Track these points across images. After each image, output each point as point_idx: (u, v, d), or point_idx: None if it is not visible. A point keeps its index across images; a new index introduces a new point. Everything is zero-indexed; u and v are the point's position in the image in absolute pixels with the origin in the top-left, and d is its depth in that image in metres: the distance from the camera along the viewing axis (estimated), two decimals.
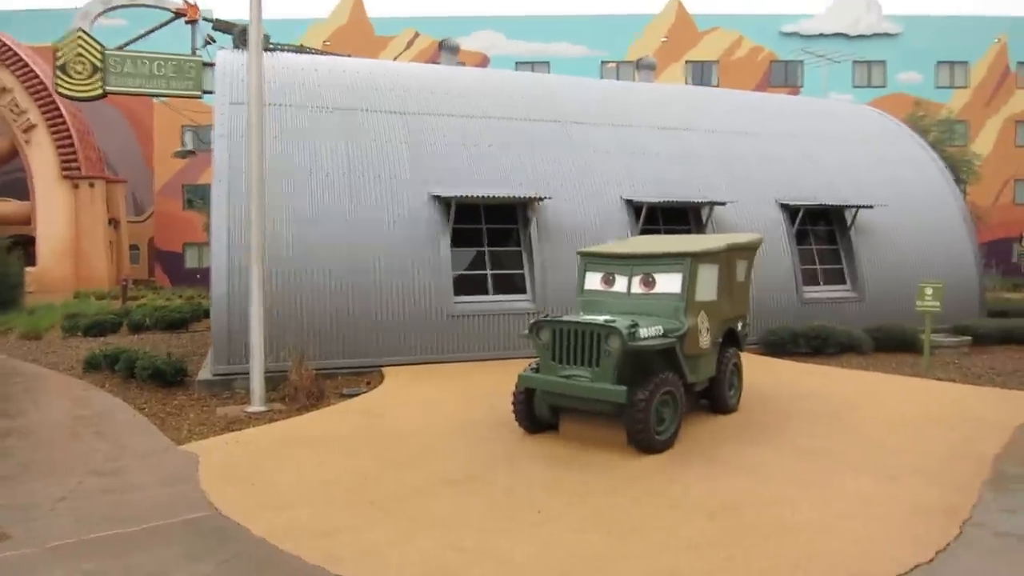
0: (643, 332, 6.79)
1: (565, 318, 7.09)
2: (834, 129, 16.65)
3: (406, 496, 5.86)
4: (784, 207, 14.28)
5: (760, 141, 15.41)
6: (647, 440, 6.67)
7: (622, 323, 6.75)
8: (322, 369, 10.76)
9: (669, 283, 7.52)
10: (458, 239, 12.08)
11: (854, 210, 14.35)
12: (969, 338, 13.21)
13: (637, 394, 6.61)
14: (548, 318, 7.15)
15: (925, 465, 6.35)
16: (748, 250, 8.56)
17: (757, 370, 10.19)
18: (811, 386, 9.77)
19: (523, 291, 12.32)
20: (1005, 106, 38.75)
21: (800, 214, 14.01)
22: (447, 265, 11.70)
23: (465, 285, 12.05)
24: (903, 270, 14.74)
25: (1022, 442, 7.03)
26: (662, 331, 7.05)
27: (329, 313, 11.03)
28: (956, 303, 14.61)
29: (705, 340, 7.62)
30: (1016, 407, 8.55)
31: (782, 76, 38.36)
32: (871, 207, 14.27)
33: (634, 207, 13.11)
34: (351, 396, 9.73)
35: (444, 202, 11.92)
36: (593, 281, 8.04)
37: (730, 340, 8.42)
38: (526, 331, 7.31)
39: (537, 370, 7.27)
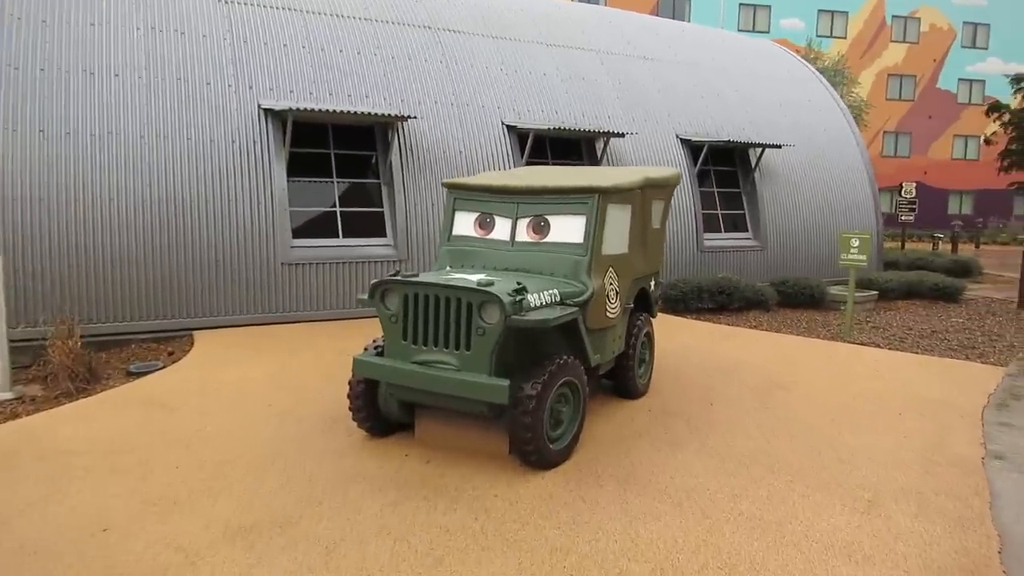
0: (533, 300, 4.72)
1: (422, 277, 4.88)
2: (738, 63, 15.05)
3: (162, 569, 3.58)
4: (686, 143, 12.56)
5: (660, 69, 13.55)
6: (539, 453, 4.66)
7: (502, 287, 4.64)
8: (108, 336, 8.09)
9: (568, 229, 5.45)
10: (299, 167, 9.50)
11: (760, 150, 12.86)
12: (875, 293, 12.17)
13: (524, 389, 4.57)
14: (397, 276, 4.91)
15: (905, 480, 4.73)
16: (665, 188, 6.62)
17: (661, 332, 8.45)
18: (726, 354, 8.14)
19: (382, 234, 9.95)
20: (879, 59, 39.27)
21: (704, 152, 12.34)
22: (282, 200, 9.12)
23: (307, 226, 9.54)
24: (806, 219, 13.53)
25: (1002, 436, 5.60)
26: (558, 297, 5.01)
27: (118, 260, 8.26)
28: None
29: (614, 308, 5.66)
30: (960, 381, 7.24)
31: (670, 10, 36.91)
32: (779, 147, 12.82)
33: (518, 135, 10.94)
34: (140, 374, 7.17)
35: (278, 117, 9.27)
36: (464, 224, 5.85)
37: (641, 304, 6.54)
38: (365, 295, 5.05)
39: (381, 351, 5.08)
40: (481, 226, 5.76)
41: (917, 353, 8.56)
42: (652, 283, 6.69)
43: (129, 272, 8.31)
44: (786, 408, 6.21)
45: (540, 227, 5.53)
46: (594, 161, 11.58)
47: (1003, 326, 10.48)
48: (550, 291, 4.95)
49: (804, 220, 13.48)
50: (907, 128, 39.34)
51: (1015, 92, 31.24)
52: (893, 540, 3.89)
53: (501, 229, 5.67)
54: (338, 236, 9.68)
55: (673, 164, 12.08)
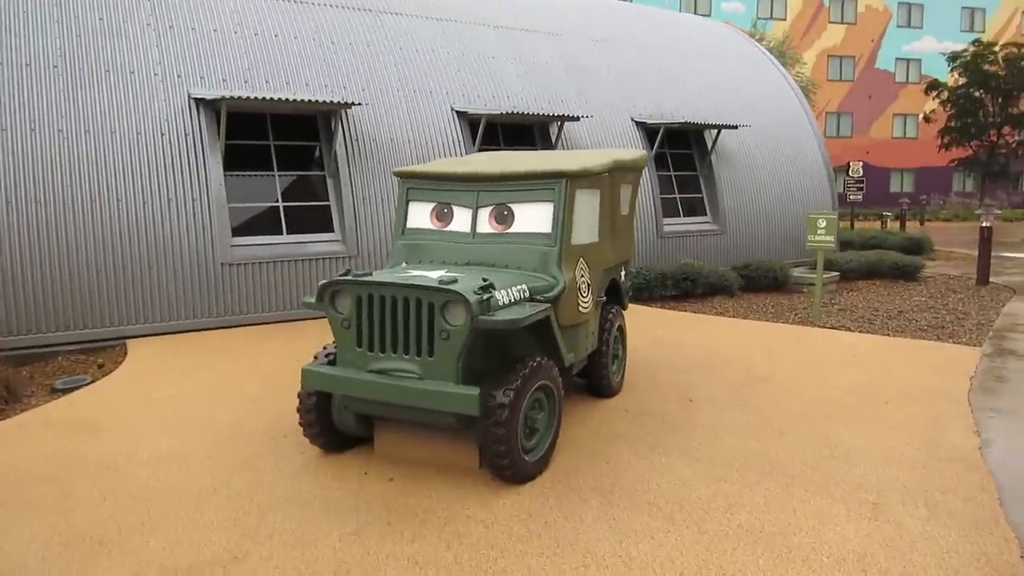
0: (501, 297, 4.25)
1: (376, 276, 4.37)
2: (690, 45, 14.76)
3: None
4: (641, 126, 12.22)
5: (612, 51, 13.16)
6: (513, 466, 4.22)
7: (466, 284, 4.17)
8: (29, 349, 7.38)
9: (534, 218, 5.00)
10: (237, 161, 8.82)
11: (716, 132, 12.60)
12: (837, 274, 12.05)
13: (495, 397, 4.12)
14: (348, 276, 4.39)
15: (907, 478, 4.43)
16: (634, 171, 6.21)
17: (627, 323, 8.08)
18: (697, 344, 7.82)
19: (329, 229, 9.35)
20: (819, 40, 39.78)
21: (660, 135, 12.02)
22: (219, 195, 8.44)
23: (248, 223, 8.88)
24: (764, 201, 13.36)
25: (995, 424, 5.38)
26: (527, 293, 4.56)
27: (40, 265, 7.51)
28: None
29: (587, 302, 5.23)
30: (939, 365, 7.06)
31: None
32: (735, 127, 12.58)
33: (469, 121, 10.43)
34: (67, 391, 6.48)
35: (211, 107, 8.58)
36: (420, 216, 5.34)
37: (611, 296, 6.14)
38: (311, 297, 4.52)
39: (333, 360, 4.56)
40: (438, 218, 5.26)
41: (888, 335, 8.39)
42: (623, 273, 6.30)
43: (53, 278, 7.56)
44: (769, 402, 5.89)
45: (503, 217, 5.07)
46: (548, 147, 11.15)
47: (966, 304, 10.44)
48: (518, 287, 4.50)
49: (762, 202, 13.31)
50: (848, 108, 40.01)
51: (952, 70, 31.96)
52: (908, 549, 3.56)
53: (460, 220, 5.18)
54: (282, 233, 9.05)
55: (629, 148, 11.73)
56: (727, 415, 5.57)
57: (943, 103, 32.29)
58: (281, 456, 4.81)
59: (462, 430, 4.37)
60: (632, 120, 12.16)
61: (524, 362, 4.33)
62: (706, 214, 12.85)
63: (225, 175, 8.54)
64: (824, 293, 11.30)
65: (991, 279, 12.30)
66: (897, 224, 24.49)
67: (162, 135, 8.29)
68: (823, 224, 8.79)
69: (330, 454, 4.79)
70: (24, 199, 7.48)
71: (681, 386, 6.31)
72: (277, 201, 9.10)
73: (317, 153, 9.46)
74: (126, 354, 7.53)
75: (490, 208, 5.10)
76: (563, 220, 4.92)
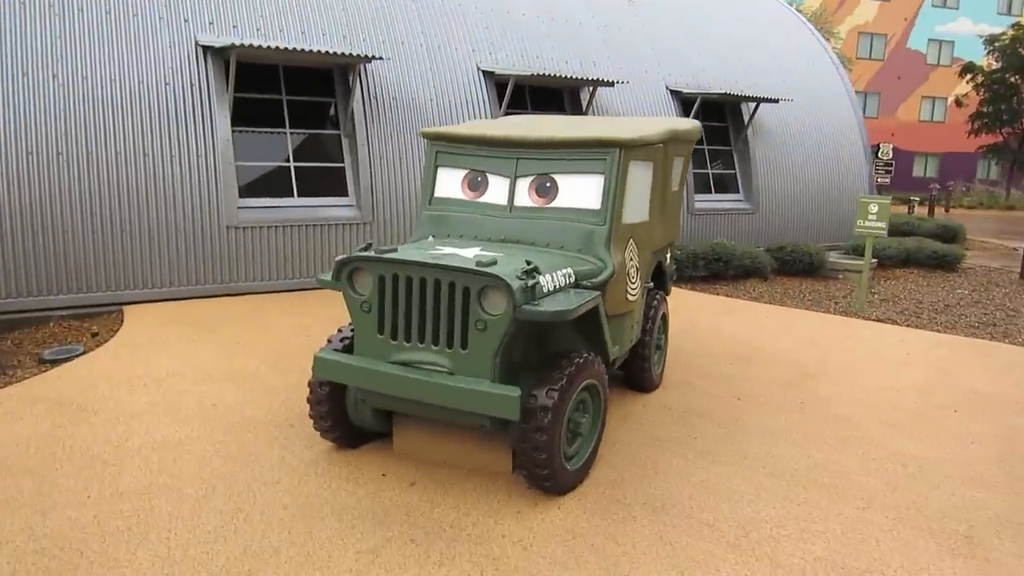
0: (546, 283, 3.68)
1: (401, 252, 3.79)
2: (727, 10, 13.96)
3: None
4: (676, 95, 11.52)
5: (647, 13, 12.39)
6: (554, 476, 3.68)
7: (507, 266, 3.60)
8: (20, 313, 6.89)
9: (581, 192, 4.40)
10: (246, 116, 8.21)
11: (754, 105, 11.89)
12: (875, 261, 11.42)
13: (537, 398, 3.57)
14: (368, 251, 3.82)
15: (996, 505, 3.89)
16: (687, 143, 5.59)
17: None
18: (734, 332, 7.26)
19: (343, 192, 8.76)
20: (851, 16, 38.50)
21: (696, 105, 11.32)
22: (226, 152, 7.85)
23: (256, 184, 8.30)
24: (799, 180, 12.68)
25: None
26: (572, 278, 3.98)
27: (32, 221, 6.96)
28: (844, 218, 12.88)
29: (635, 288, 4.66)
30: (1002, 367, 6.49)
31: None
32: (776, 101, 11.85)
33: (496, 82, 9.77)
34: (56, 362, 5.97)
35: (220, 56, 7.94)
36: (450, 184, 4.75)
37: (656, 281, 5.57)
38: (327, 274, 3.96)
39: (350, 345, 4.02)
40: (471, 187, 4.67)
41: (939, 331, 7.80)
42: (668, 255, 5.72)
43: (47, 237, 7.02)
44: (824, 404, 5.34)
45: (545, 189, 4.47)
46: (578, 113, 10.48)
47: (1013, 299, 9.84)
48: (563, 271, 3.92)
49: (796, 182, 12.64)
50: (876, 88, 38.86)
51: (988, 53, 30.88)
52: None
53: (496, 191, 4.59)
54: (292, 195, 8.46)
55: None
56: (781, 418, 5.02)
57: (976, 87, 31.21)
58: (287, 449, 4.29)
59: (494, 432, 3.83)
60: (667, 88, 11.46)
61: (569, 358, 3.78)
62: (739, 191, 12.20)
63: (233, 131, 7.93)
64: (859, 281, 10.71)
65: None
66: (924, 210, 23.72)
67: (166, 84, 7.67)
68: (875, 209, 8.15)
69: (343, 450, 4.27)
70: (14, 149, 6.90)
71: (725, 381, 5.76)
72: (288, 161, 8.50)
73: (332, 111, 8.82)
74: (123, 322, 7.01)
75: (531, 178, 4.51)
76: (615, 195, 4.33)
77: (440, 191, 4.76)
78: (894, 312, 8.61)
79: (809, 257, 10.71)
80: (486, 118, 9.44)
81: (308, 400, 4.11)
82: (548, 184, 4.46)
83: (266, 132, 8.40)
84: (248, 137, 8.21)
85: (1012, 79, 30.11)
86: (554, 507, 3.71)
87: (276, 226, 8.13)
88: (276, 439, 4.42)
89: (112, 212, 7.30)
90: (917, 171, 38.85)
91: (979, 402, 5.50)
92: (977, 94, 31.69)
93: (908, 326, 7.98)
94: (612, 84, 10.14)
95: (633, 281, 4.60)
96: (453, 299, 3.56)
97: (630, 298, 4.56)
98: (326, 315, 7.29)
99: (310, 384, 4.09)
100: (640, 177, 4.66)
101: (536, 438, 3.56)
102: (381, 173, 8.70)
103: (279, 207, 8.27)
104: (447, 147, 4.74)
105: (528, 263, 3.66)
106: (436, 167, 4.77)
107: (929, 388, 5.80)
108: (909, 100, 39.28)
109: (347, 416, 4.16)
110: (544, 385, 3.61)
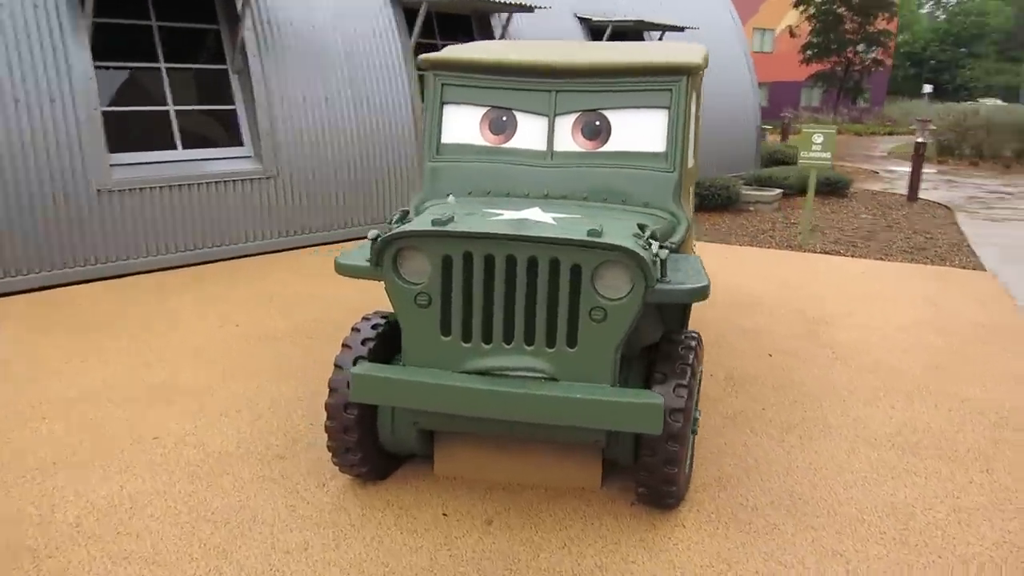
0: (659, 249, 2.85)
1: (472, 224, 2.77)
2: None
3: None
4: (585, 23, 10.72)
5: None
6: (680, 492, 2.95)
7: (617, 231, 2.73)
8: None
9: (641, 132, 3.55)
10: (108, 48, 6.47)
11: (659, 34, 11.35)
12: (780, 192, 11.46)
13: (670, 400, 2.78)
14: (407, 222, 2.79)
15: None
16: (704, 71, 4.84)
17: None
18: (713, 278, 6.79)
19: (237, 141, 7.26)
20: None
21: (606, 35, 10.59)
22: (87, 94, 6.14)
23: (127, 135, 6.63)
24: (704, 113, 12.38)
25: None
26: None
27: None
28: (740, 151, 12.89)
29: (695, 245, 3.93)
30: (974, 294, 6.48)
31: None
32: (681, 29, 11.37)
33: (403, 7, 8.47)
34: None
35: None
36: (463, 126, 3.71)
37: None
38: (352, 256, 2.89)
39: (377, 349, 3.01)
40: (494, 129, 3.67)
41: (884, 260, 7.79)
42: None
43: None
44: (855, 354, 4.95)
45: (595, 129, 3.58)
46: None
47: (912, 221, 10.19)
48: (648, 231, 3.10)
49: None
50: None
51: None
52: None
53: (529, 133, 3.63)
54: (175, 147, 6.87)
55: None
56: (827, 374, 4.58)
57: (809, 18, 32.91)
58: (293, 494, 3.22)
59: (592, 444, 3.01)
60: (575, 15, 10.62)
61: (677, 343, 3.01)
62: None
63: (95, 67, 6.20)
64: (771, 212, 10.71)
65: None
66: (778, 137, 24.82)
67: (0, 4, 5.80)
68: (819, 140, 7.91)
69: (366, 484, 3.27)
70: None
71: (741, 334, 5.25)
72: (167, 104, 6.86)
73: (216, 40, 7.20)
74: None
75: (574, 116, 3.59)
76: (682, 135, 3.53)
77: (450, 135, 3.71)
78: (829, 243, 8.55)
79: (727, 191, 10.51)
80: (394, 50, 8.18)
81: (327, 429, 3.05)
82: (598, 123, 3.57)
83: (135, 67, 6.70)
84: (113, 76, 6.49)
85: (838, 10, 32.00)
86: (676, 526, 2.98)
87: (158, 186, 6.56)
88: (268, 480, 3.32)
89: None
90: None
91: (991, 335, 5.37)
92: (809, 23, 33.47)
93: (853, 256, 7.91)
94: (531, 9, 9.14)
95: (695, 237, 3.86)
96: (556, 282, 2.65)
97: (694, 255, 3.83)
98: (247, 297, 6.00)
99: (330, 407, 3.02)
100: (693, 112, 3.88)
101: (668, 449, 2.79)
102: (282, 115, 7.27)
103: (160, 162, 6.68)
104: (457, 78, 3.68)
105: (640, 226, 2.82)
106: (443, 104, 3.71)
107: (937, 324, 5.61)
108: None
109: (378, 442, 3.16)
110: (670, 381, 2.83)
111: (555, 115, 3.59)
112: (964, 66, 50.82)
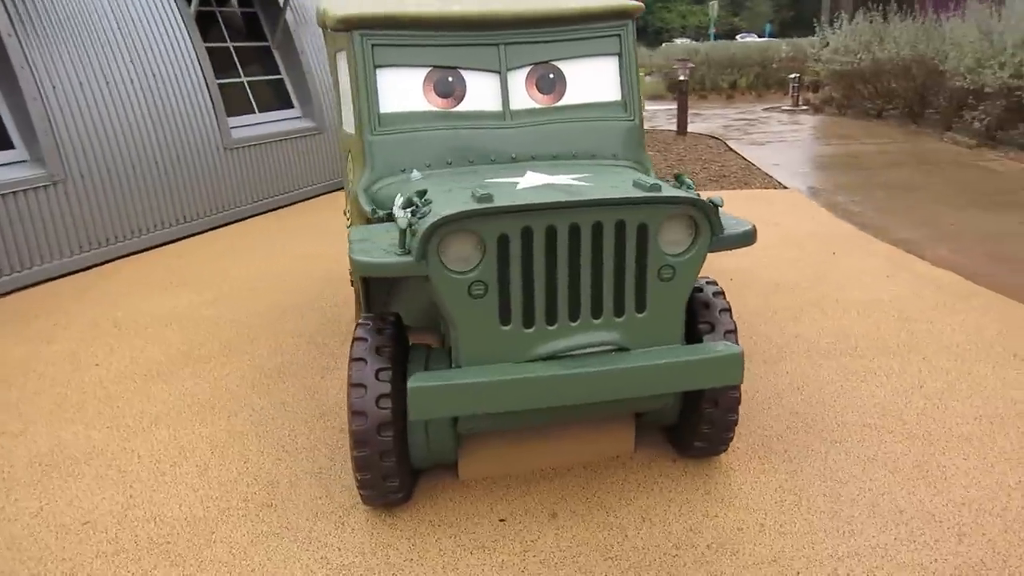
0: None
1: (516, 197, 2.42)
2: None
3: None
4: None
5: None
6: (730, 440, 2.96)
7: (643, 181, 2.60)
8: None
9: (595, 80, 3.40)
10: None
11: None
12: None
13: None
14: (438, 209, 2.41)
15: None
16: None
17: None
18: None
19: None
20: None
21: None
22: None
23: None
24: None
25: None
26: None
27: None
28: None
29: None
30: (792, 211, 7.29)
31: None
32: None
33: None
34: None
35: None
36: (403, 92, 3.25)
37: None
38: (377, 255, 2.40)
39: (403, 361, 2.62)
40: (440, 91, 3.28)
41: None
42: None
43: None
44: (754, 278, 5.31)
45: (549, 82, 3.35)
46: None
47: (700, 152, 11.18)
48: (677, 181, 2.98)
49: None
50: None
51: None
52: None
53: (480, 92, 3.30)
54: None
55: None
56: (746, 298, 4.86)
57: None
58: (310, 546, 2.71)
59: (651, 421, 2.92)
60: None
61: (705, 291, 2.97)
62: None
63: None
64: None
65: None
66: None
67: None
68: None
69: (390, 509, 2.85)
70: None
71: (737, 314, 4.66)
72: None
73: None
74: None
75: (526, 70, 3.33)
76: (636, 81, 3.44)
77: (389, 104, 3.25)
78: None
79: None
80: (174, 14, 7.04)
81: (358, 460, 2.57)
82: (552, 75, 3.35)
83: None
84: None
85: None
86: (728, 471, 2.99)
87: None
88: (270, 536, 2.75)
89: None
90: None
91: (831, 241, 6.06)
92: None
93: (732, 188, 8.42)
94: None
95: None
96: (622, 245, 2.44)
97: None
98: (313, 236, 4.92)
99: (360, 434, 2.54)
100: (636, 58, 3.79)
101: (732, 397, 2.77)
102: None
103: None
104: (390, 37, 3.22)
105: (678, 175, 2.71)
106: (375, 67, 3.22)
107: (790, 240, 6.17)
108: None
109: (407, 457, 2.75)
110: (718, 329, 2.79)
111: (507, 70, 3.29)
112: (658, 11, 56.57)
